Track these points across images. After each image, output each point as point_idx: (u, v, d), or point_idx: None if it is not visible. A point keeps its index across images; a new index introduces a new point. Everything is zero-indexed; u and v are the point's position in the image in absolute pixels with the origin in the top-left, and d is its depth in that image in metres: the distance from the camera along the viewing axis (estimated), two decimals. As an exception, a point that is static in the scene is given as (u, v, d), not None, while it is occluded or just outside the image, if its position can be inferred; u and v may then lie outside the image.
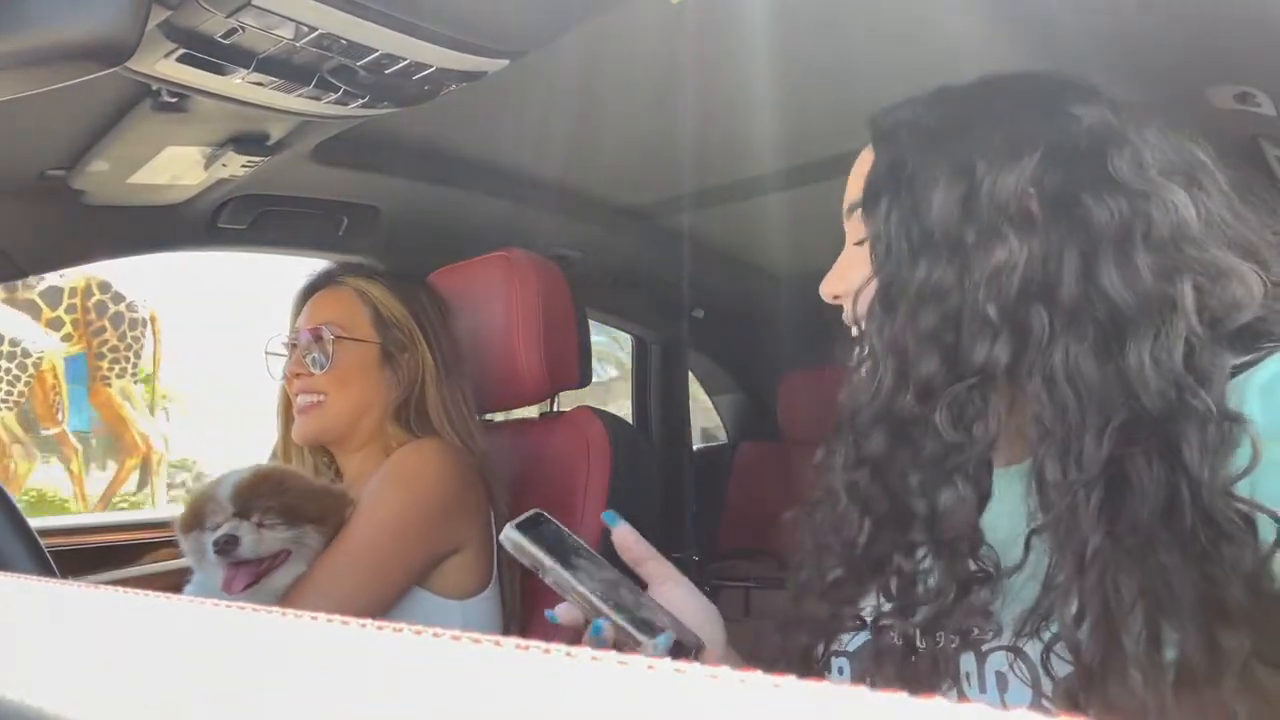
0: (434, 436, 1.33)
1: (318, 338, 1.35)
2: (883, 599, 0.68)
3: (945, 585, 0.62)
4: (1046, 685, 0.58)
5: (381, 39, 0.96)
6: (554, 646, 0.24)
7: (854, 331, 0.74)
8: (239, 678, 0.24)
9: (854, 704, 0.18)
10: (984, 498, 0.62)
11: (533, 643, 0.24)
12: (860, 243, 0.73)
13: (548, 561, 0.76)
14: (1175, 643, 0.52)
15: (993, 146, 0.66)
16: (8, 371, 6.07)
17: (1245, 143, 1.30)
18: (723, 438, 3.10)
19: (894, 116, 0.74)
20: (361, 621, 0.29)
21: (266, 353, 1.43)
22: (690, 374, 2.85)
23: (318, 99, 1.09)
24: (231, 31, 0.92)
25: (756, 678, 0.20)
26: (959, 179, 0.66)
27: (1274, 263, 0.63)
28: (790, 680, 0.19)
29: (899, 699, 0.18)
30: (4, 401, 6.12)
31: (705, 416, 3.16)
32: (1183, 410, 0.56)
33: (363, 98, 1.10)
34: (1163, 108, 1.26)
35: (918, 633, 0.63)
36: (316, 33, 0.93)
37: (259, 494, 1.14)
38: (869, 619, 0.70)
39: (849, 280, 0.74)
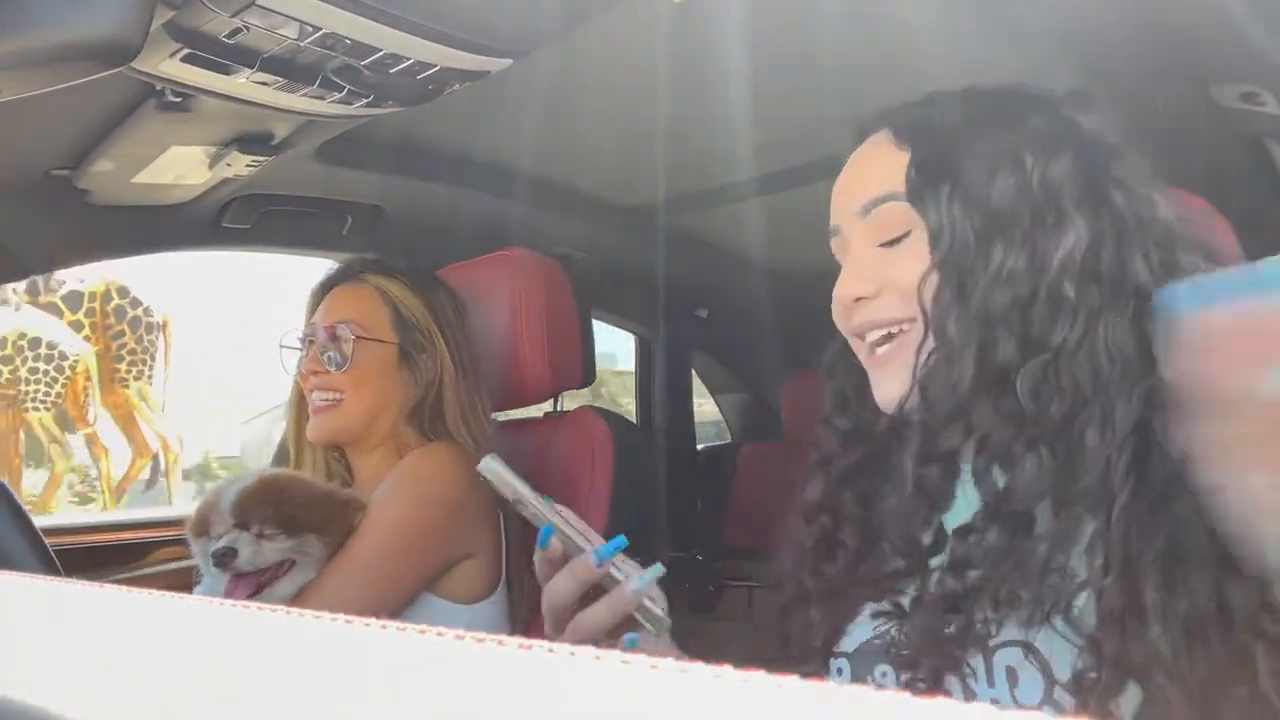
0: (447, 440, 1.33)
1: (336, 336, 1.33)
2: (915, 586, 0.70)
3: (1000, 554, 0.64)
4: (1060, 673, 0.59)
5: (385, 38, 0.96)
6: (558, 646, 0.24)
7: (877, 335, 0.75)
8: (241, 677, 0.24)
9: (855, 704, 0.18)
10: (1055, 466, 0.64)
11: (536, 642, 0.24)
12: (892, 241, 0.74)
13: (529, 493, 0.73)
14: (1189, 596, 0.55)
15: (1033, 141, 0.70)
16: (46, 374, 6.45)
17: (1249, 142, 1.30)
18: (726, 437, 3.10)
19: (917, 113, 0.77)
20: (365, 621, 0.29)
21: (281, 346, 1.40)
22: (694, 373, 2.85)
23: (322, 98, 1.09)
24: (235, 31, 0.92)
25: (759, 677, 0.20)
26: (1013, 170, 0.69)
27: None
28: (792, 680, 0.19)
29: (899, 698, 0.18)
30: (43, 402, 6.52)
31: (709, 415, 3.16)
32: None
33: (366, 97, 1.10)
34: (1168, 106, 1.26)
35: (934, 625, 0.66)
36: (320, 32, 0.94)
37: (259, 504, 1.13)
38: (901, 606, 0.71)
39: (880, 280, 0.74)
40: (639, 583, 0.68)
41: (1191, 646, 0.54)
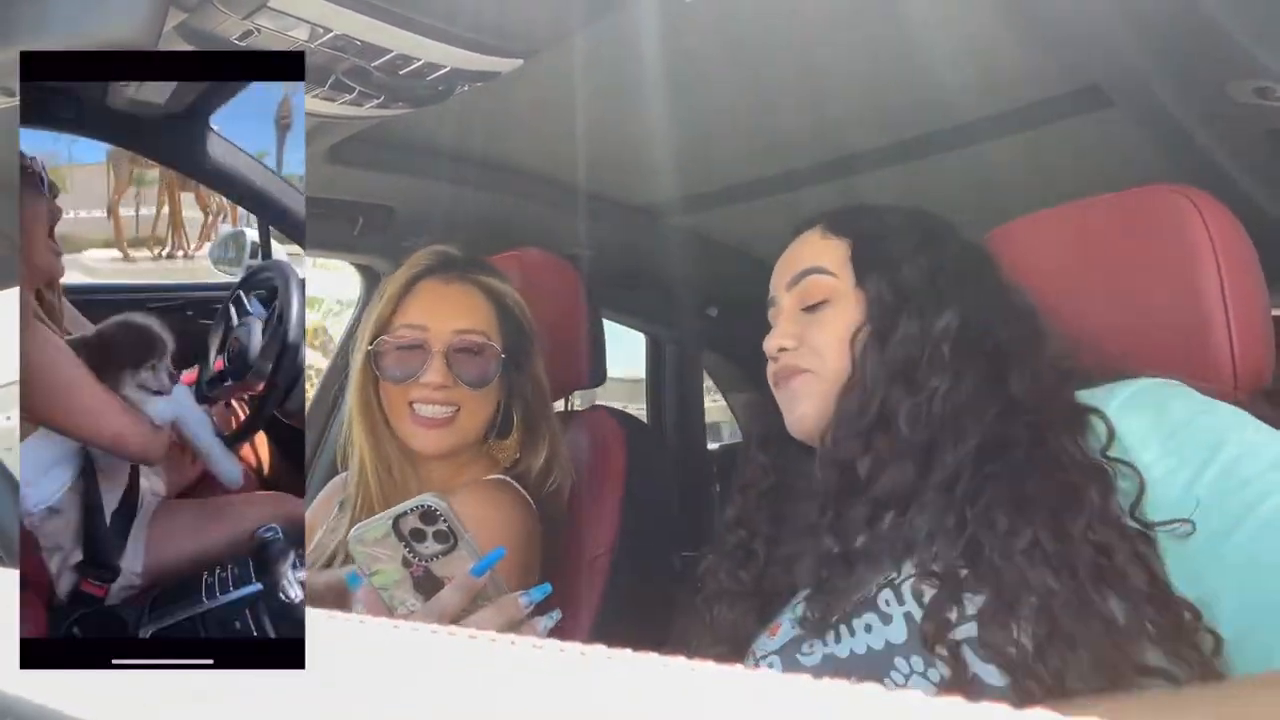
0: (501, 478, 1.27)
1: (476, 350, 1.24)
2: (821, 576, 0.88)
3: (879, 541, 0.85)
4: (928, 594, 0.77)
5: (395, 40, 0.96)
6: (568, 645, 0.24)
7: (796, 380, 0.95)
8: (248, 672, 0.24)
9: (856, 703, 0.18)
10: (927, 472, 0.85)
11: (548, 641, 0.25)
12: (812, 307, 0.97)
13: (468, 536, 0.78)
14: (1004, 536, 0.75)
15: (929, 243, 0.95)
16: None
17: (1265, 137, 1.29)
18: (739, 436, 3.09)
19: (848, 215, 1.02)
20: (377, 620, 0.29)
21: (369, 349, 1.25)
22: (705, 372, 2.85)
23: (332, 100, 1.10)
24: (247, 33, 0.92)
25: (764, 675, 0.20)
26: (914, 262, 0.93)
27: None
28: (795, 679, 0.19)
29: (900, 698, 0.18)
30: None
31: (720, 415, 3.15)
32: (1051, 404, 0.82)
33: (377, 98, 1.10)
34: (1184, 102, 1.25)
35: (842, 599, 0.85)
36: (331, 34, 0.94)
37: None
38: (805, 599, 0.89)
39: (800, 336, 0.96)
40: (548, 622, 0.81)
41: (1030, 565, 0.72)
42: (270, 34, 0.93)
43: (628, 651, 0.23)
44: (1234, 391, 0.88)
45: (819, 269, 0.98)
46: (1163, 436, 0.76)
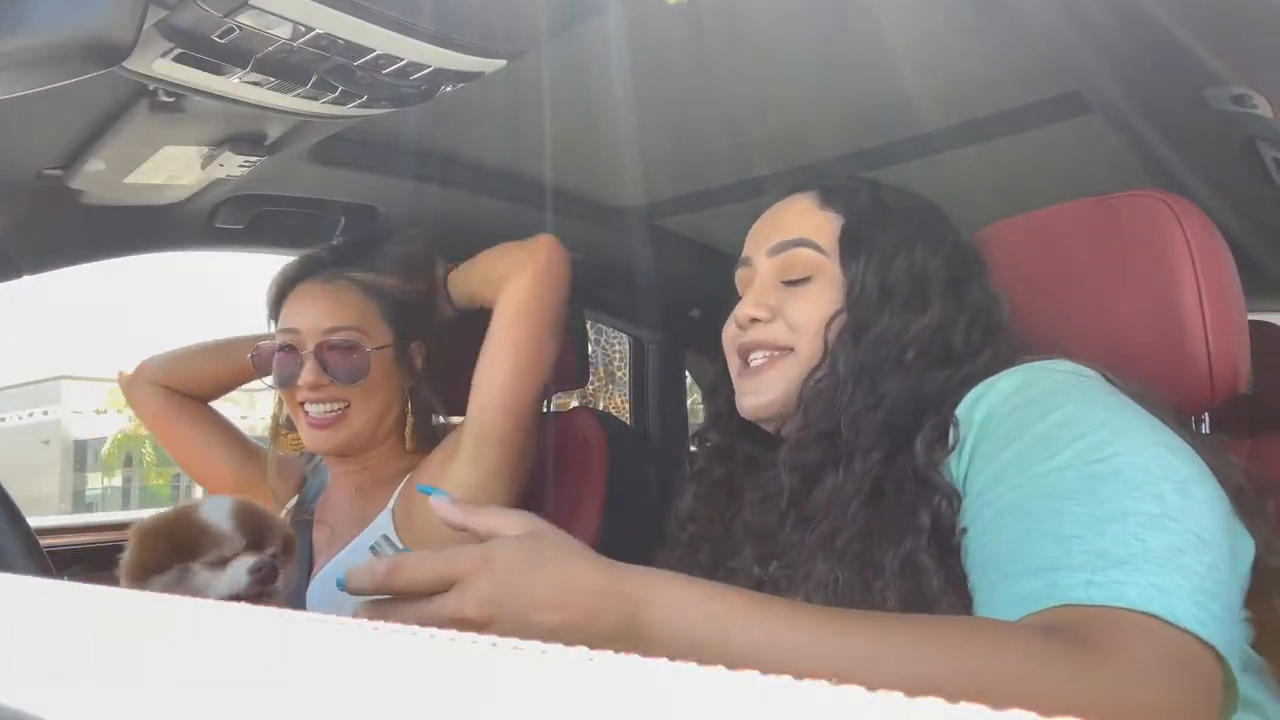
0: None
1: (346, 348, 1.25)
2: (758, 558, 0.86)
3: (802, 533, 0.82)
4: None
5: (378, 39, 0.96)
6: (549, 647, 0.24)
7: (760, 356, 0.90)
8: (236, 677, 0.24)
9: (854, 704, 0.18)
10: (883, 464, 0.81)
11: (529, 644, 0.24)
12: (794, 281, 0.90)
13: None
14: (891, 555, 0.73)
15: (925, 235, 0.90)
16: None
17: (1241, 144, 1.30)
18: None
19: (851, 187, 0.95)
20: (356, 622, 0.29)
21: (251, 357, 1.32)
22: (687, 374, 2.85)
23: (315, 99, 1.09)
24: (228, 31, 0.92)
25: (751, 677, 0.20)
26: (908, 253, 0.87)
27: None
28: (787, 680, 0.19)
29: (884, 698, 0.18)
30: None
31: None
32: (930, 416, 0.79)
33: (360, 97, 1.10)
34: (1162, 108, 1.26)
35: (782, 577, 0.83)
36: (313, 32, 0.93)
37: (264, 526, 1.02)
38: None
39: (777, 310, 0.90)
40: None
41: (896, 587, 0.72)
42: (252, 32, 0.92)
43: (609, 653, 0.23)
44: (1210, 396, 0.89)
45: (808, 242, 0.90)
46: (976, 439, 0.75)
